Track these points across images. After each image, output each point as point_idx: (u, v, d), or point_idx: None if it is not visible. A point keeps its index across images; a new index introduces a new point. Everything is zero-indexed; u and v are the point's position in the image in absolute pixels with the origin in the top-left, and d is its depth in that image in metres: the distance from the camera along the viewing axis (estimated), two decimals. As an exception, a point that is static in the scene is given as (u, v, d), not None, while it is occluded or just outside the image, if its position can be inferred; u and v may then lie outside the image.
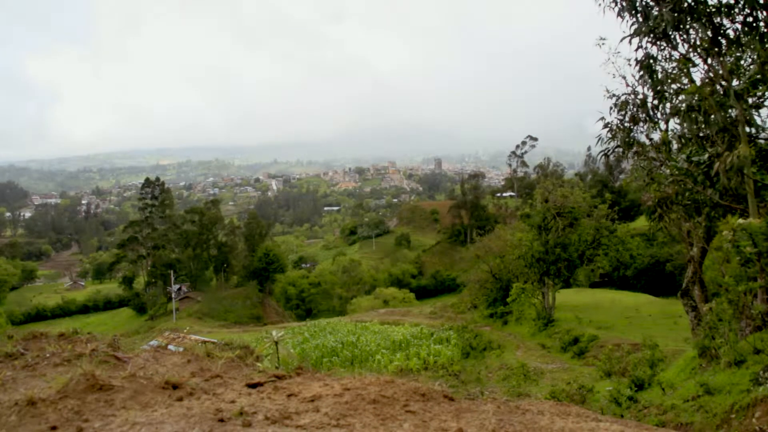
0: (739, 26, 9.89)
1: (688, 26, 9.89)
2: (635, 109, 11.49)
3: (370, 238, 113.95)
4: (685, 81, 10.79)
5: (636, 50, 10.69)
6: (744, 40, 9.87)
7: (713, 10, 9.67)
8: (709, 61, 10.08)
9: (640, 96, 11.42)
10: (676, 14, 9.51)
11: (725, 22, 9.91)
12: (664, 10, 9.58)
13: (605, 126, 11.72)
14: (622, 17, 10.64)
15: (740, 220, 7.33)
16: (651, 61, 10.76)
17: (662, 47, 10.69)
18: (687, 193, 10.38)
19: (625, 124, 11.73)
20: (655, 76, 10.79)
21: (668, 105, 11.23)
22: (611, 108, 11.92)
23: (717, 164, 9.00)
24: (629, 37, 10.53)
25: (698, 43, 10.04)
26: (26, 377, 1.43)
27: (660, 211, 11.25)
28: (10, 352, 1.59)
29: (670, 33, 10.12)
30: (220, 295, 71.78)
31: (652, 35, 10.32)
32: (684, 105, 10.31)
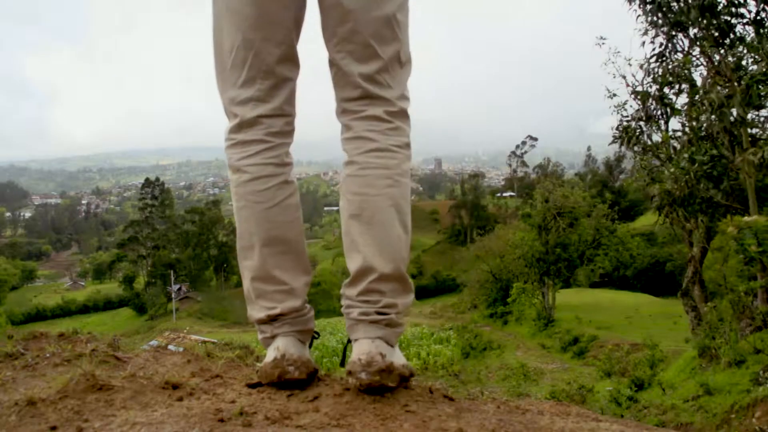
0: (747, 24, 10.05)
1: (704, 23, 10.08)
2: (639, 107, 11.61)
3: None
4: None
5: (653, 39, 11.09)
6: (749, 38, 9.99)
7: (722, 7, 9.89)
8: (716, 58, 10.16)
9: (641, 95, 11.51)
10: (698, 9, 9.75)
11: (733, 20, 10.11)
12: (692, 7, 9.84)
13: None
14: (630, 2, 10.88)
15: (746, 218, 7.29)
16: (667, 52, 10.95)
17: (671, 45, 10.85)
18: (693, 193, 10.43)
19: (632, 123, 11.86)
20: (665, 66, 10.96)
21: (668, 107, 11.32)
22: (614, 108, 12.05)
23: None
24: (651, 26, 10.83)
25: (706, 39, 10.17)
26: (26, 377, 1.43)
27: (667, 209, 11.31)
28: (10, 352, 1.59)
29: (690, 27, 10.36)
30: (220, 295, 71.75)
31: (668, 27, 10.55)
32: (684, 107, 10.39)
